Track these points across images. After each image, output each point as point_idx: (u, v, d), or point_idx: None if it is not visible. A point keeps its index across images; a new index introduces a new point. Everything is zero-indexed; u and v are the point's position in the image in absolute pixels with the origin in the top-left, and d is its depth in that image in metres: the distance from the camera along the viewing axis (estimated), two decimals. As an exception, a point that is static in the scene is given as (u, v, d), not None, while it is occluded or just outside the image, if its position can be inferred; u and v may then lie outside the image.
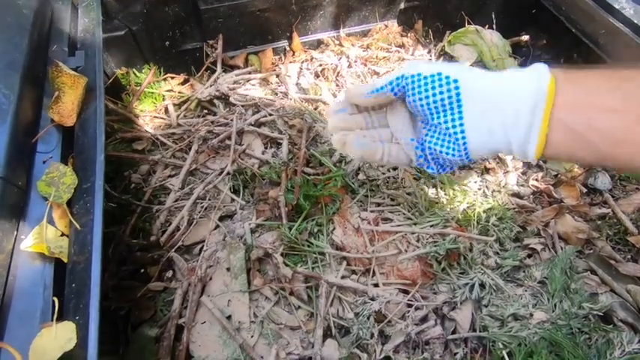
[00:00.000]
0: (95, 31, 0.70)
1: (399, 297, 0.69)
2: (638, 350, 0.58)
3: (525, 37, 1.09)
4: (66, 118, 0.59)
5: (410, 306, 0.69)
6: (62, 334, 0.41)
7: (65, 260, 0.47)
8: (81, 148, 0.57)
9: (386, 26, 1.21)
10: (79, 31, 0.72)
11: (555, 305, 0.67)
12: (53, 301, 0.44)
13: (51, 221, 0.49)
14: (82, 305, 0.43)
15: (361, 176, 0.83)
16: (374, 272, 0.72)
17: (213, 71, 1.05)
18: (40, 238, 0.47)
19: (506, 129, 0.39)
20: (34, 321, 0.43)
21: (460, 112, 0.40)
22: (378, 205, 0.81)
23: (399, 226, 0.76)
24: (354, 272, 0.72)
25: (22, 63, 0.59)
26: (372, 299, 0.68)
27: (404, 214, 0.79)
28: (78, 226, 0.49)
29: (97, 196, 0.50)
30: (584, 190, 0.86)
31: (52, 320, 0.42)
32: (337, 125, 0.47)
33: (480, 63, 1.11)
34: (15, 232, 0.48)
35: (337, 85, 1.08)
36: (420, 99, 0.41)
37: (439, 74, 0.40)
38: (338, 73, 1.08)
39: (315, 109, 1.00)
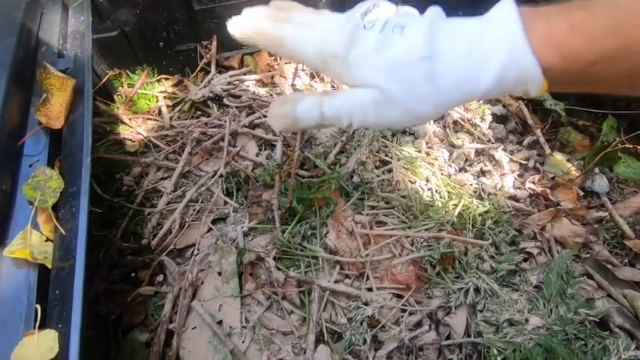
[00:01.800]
0: (85, 32, 0.69)
1: (393, 302, 0.68)
2: (634, 357, 0.57)
3: (523, 38, 1.08)
4: (54, 121, 0.58)
5: (404, 311, 0.68)
6: (44, 343, 0.40)
7: (49, 266, 0.46)
8: (69, 151, 0.56)
9: (383, 27, 1.20)
10: (69, 32, 0.71)
11: (551, 310, 0.66)
12: (36, 309, 0.43)
13: (35, 226, 0.48)
14: (65, 313, 0.42)
15: (356, 179, 0.82)
16: (368, 276, 0.71)
17: (208, 72, 1.04)
18: (24, 244, 0.46)
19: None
20: (17, 329, 0.42)
21: None
22: (373, 208, 0.80)
23: (393, 229, 0.75)
24: (347, 276, 0.71)
25: (9, 64, 0.58)
26: (366, 304, 0.67)
27: (398, 217, 0.78)
28: (63, 231, 0.48)
29: (82, 201, 0.49)
30: (582, 193, 0.85)
31: (34, 328, 0.41)
32: None
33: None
34: (-2, 238, 0.47)
35: (333, 87, 1.07)
36: None
37: None
38: (334, 74, 1.07)
39: (310, 110, 0.99)
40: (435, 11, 0.36)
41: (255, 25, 0.40)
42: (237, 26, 0.42)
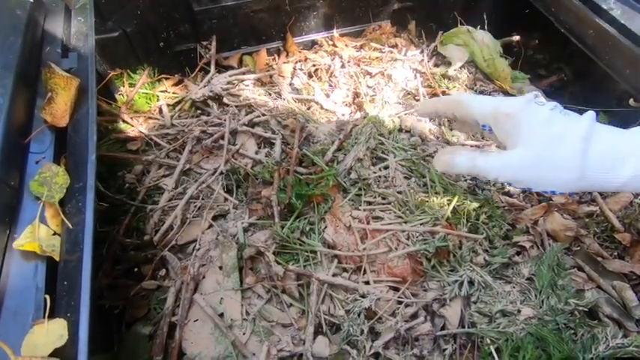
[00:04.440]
0: (88, 33, 0.71)
1: (390, 294, 0.70)
2: (621, 345, 0.59)
3: (516, 38, 1.10)
4: (59, 119, 0.59)
5: (400, 303, 0.70)
6: (54, 331, 0.42)
7: (57, 259, 0.48)
8: (73, 149, 0.58)
9: (379, 27, 1.22)
10: (72, 33, 0.72)
11: (542, 301, 0.68)
12: (45, 299, 0.44)
13: (43, 220, 0.50)
14: (73, 303, 0.44)
15: (353, 175, 0.84)
16: (365, 270, 0.73)
17: (207, 72, 1.06)
18: (32, 237, 0.48)
19: None
20: (26, 318, 0.44)
21: None
22: (369, 203, 0.82)
23: (389, 224, 0.77)
24: (345, 270, 0.73)
25: (15, 64, 0.59)
26: (363, 296, 0.69)
27: (394, 212, 0.80)
28: (70, 225, 0.49)
29: (88, 196, 0.50)
30: (573, 189, 0.87)
31: (43, 317, 0.43)
32: None
33: (472, 63, 1.12)
34: (7, 231, 0.48)
35: (330, 86, 1.09)
36: None
37: None
38: (331, 73, 1.09)
39: (308, 109, 1.01)
40: (591, 114, 0.44)
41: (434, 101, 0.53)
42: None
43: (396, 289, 0.71)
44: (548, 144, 0.42)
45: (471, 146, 0.51)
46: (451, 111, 0.50)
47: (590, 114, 0.43)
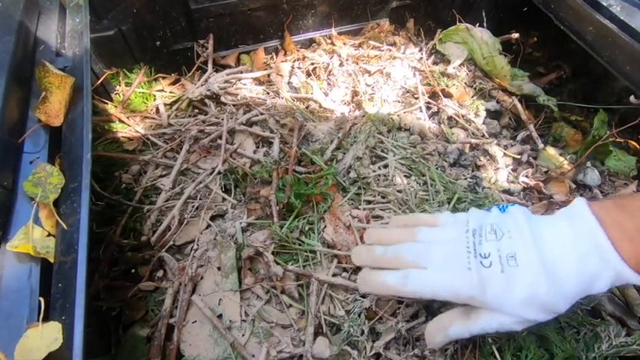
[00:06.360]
0: (83, 31, 0.70)
1: (390, 294, 0.69)
2: (625, 343, 0.59)
3: (515, 35, 1.10)
4: (53, 118, 0.59)
5: (401, 303, 0.69)
6: (48, 334, 0.41)
7: (52, 260, 0.47)
8: (68, 148, 0.57)
9: (378, 25, 1.21)
10: (66, 31, 0.71)
11: (544, 300, 0.67)
12: (39, 302, 0.44)
13: (37, 221, 0.49)
14: (68, 305, 0.43)
15: (352, 174, 0.83)
16: (365, 270, 0.72)
17: (205, 71, 1.05)
18: (26, 239, 0.47)
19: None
20: (20, 321, 0.43)
21: None
22: (369, 202, 0.81)
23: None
24: (345, 270, 0.72)
25: (8, 63, 0.59)
26: (363, 296, 0.68)
27: (394, 211, 0.79)
28: (65, 226, 0.48)
29: (83, 196, 0.50)
30: (574, 186, 0.87)
31: (38, 320, 0.42)
32: None
33: (471, 61, 1.12)
34: (0, 233, 0.47)
35: (329, 84, 1.08)
36: None
37: None
38: (330, 71, 1.09)
39: (307, 107, 1.00)
40: (522, 219, 0.50)
41: (376, 281, 0.58)
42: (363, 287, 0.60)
43: (397, 289, 0.70)
44: (528, 309, 0.46)
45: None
46: (396, 293, 0.55)
47: (525, 231, 0.48)
